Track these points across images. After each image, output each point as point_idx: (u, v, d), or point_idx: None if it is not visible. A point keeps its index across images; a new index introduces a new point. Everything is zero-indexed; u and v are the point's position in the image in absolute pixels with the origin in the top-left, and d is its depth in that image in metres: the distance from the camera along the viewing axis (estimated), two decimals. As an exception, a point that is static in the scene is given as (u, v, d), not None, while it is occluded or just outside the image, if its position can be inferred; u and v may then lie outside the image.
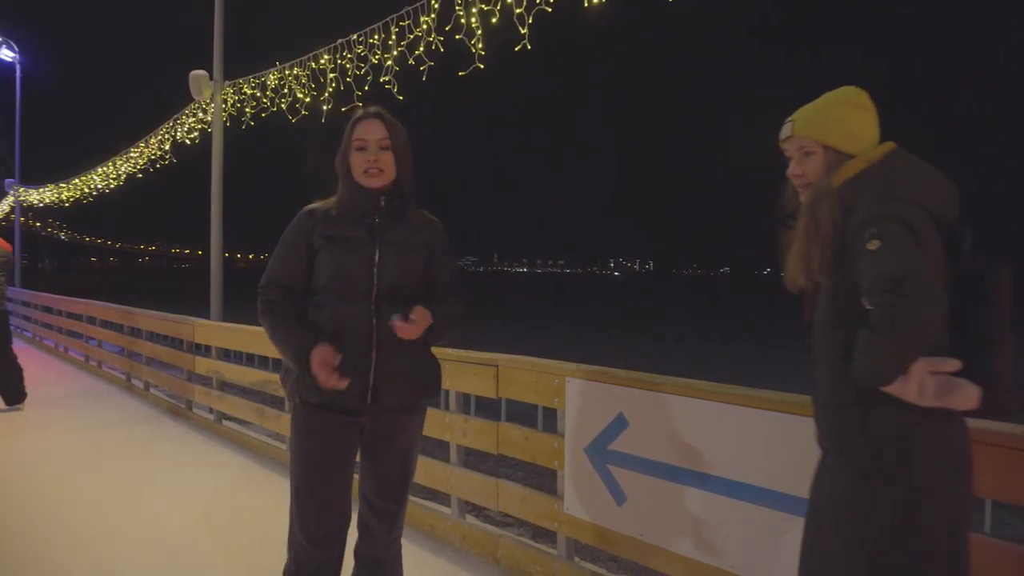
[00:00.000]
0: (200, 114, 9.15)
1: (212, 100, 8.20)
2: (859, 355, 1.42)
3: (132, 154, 11.36)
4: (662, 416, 2.63)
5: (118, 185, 12.72)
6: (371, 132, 2.19)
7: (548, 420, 4.94)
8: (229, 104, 8.15)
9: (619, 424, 2.78)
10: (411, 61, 5.40)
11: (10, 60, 18.60)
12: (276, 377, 4.91)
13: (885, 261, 1.37)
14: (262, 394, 5.78)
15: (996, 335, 1.45)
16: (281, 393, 4.33)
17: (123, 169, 12.01)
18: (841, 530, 1.53)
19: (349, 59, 6.04)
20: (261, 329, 2.38)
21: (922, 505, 1.44)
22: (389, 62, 5.58)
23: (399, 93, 5.62)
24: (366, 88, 5.93)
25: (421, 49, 5.26)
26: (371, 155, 2.18)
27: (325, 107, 6.49)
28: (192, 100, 9.08)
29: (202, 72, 8.17)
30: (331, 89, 6.36)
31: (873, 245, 1.40)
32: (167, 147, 10.05)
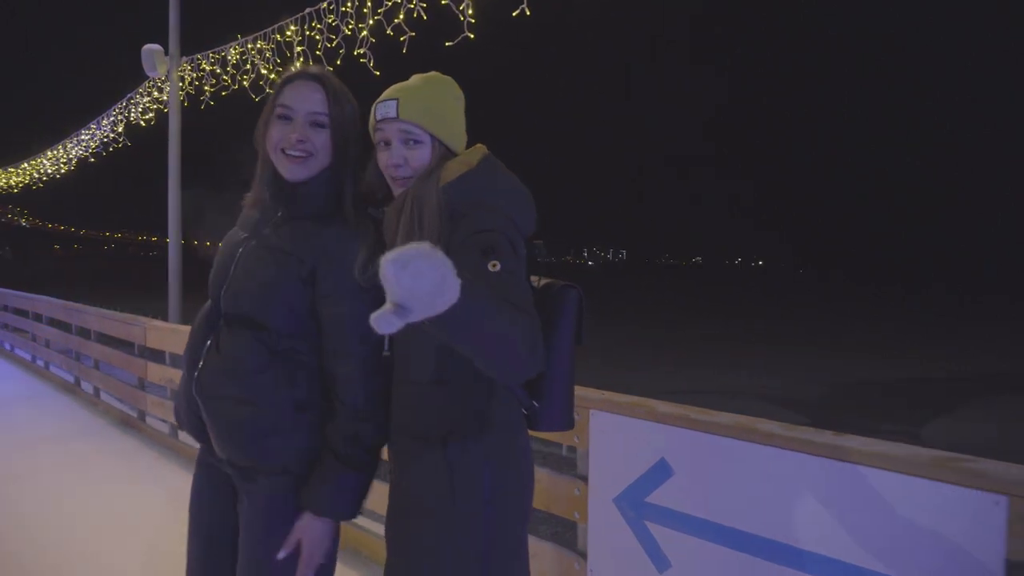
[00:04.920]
0: (155, 93, 8.40)
1: (168, 78, 7.49)
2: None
3: (83, 137, 10.52)
4: (723, 466, 2.08)
5: (69, 170, 11.85)
6: (302, 98, 1.55)
7: (567, 459, 4.37)
8: (186, 82, 7.45)
9: (661, 472, 2.23)
10: (389, 32, 4.77)
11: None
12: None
13: (506, 285, 1.31)
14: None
15: (563, 352, 1.49)
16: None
17: (74, 153, 11.18)
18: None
19: (319, 30, 5.38)
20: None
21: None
22: (364, 32, 4.94)
23: (376, 68, 4.98)
24: (338, 63, 5.29)
25: (401, 17, 4.64)
26: (296, 130, 1.54)
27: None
28: (146, 78, 8.35)
29: (156, 47, 7.45)
30: (298, 64, 5.69)
31: (494, 266, 1.33)
32: (120, 129, 9.26)
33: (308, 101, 1.55)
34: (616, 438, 2.37)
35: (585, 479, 2.47)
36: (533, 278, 1.54)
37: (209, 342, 1.58)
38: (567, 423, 1.56)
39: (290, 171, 1.56)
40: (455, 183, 1.46)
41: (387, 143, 1.52)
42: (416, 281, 0.93)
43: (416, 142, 1.50)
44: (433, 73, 1.59)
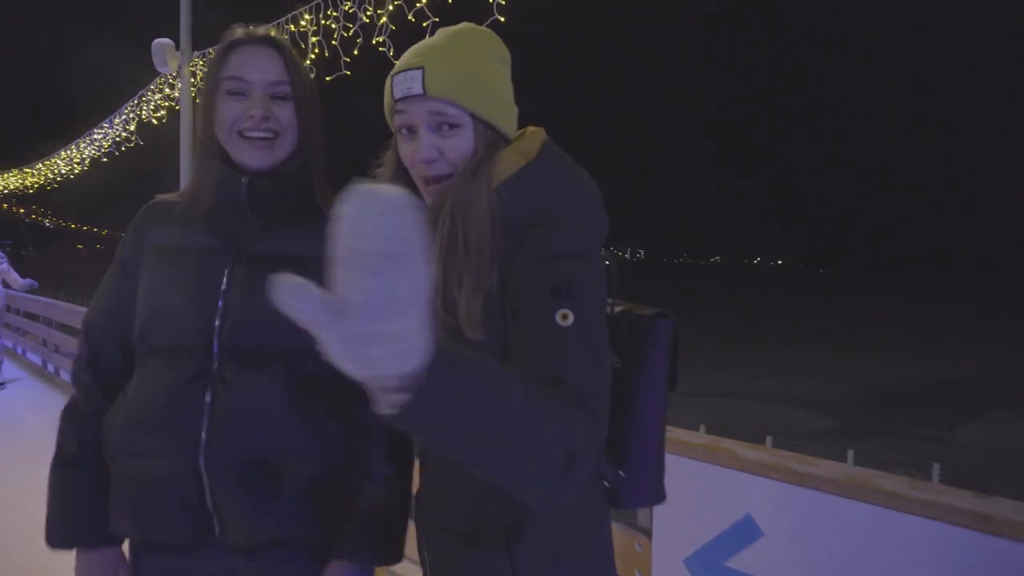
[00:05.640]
0: (167, 89, 8.11)
1: (179, 73, 7.20)
2: None
3: (96, 136, 10.28)
4: (827, 529, 1.68)
5: (83, 170, 11.66)
6: (257, 68, 1.25)
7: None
8: (199, 77, 7.14)
9: (746, 531, 1.83)
10: (411, 17, 4.40)
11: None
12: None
13: (575, 350, 0.91)
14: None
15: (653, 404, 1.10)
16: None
17: (87, 153, 10.96)
18: None
19: (334, 18, 5.03)
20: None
21: None
22: (383, 19, 4.58)
23: (396, 57, 4.62)
24: (355, 52, 4.94)
25: (424, 1, 4.26)
26: (256, 106, 1.24)
27: (307, 77, 5.48)
28: (158, 74, 8.07)
29: (167, 41, 7.15)
30: (314, 55, 5.35)
31: (565, 319, 0.93)
32: (132, 128, 8.99)
33: (265, 70, 1.26)
34: (688, 488, 1.97)
35: (648, 533, 2.07)
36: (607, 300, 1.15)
37: (208, 398, 1.19)
38: (657, 496, 1.17)
39: (254, 157, 1.26)
40: (512, 182, 1.06)
41: (411, 130, 1.10)
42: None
43: (453, 126, 1.08)
44: (465, 25, 1.16)
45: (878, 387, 13.77)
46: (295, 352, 1.21)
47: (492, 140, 1.10)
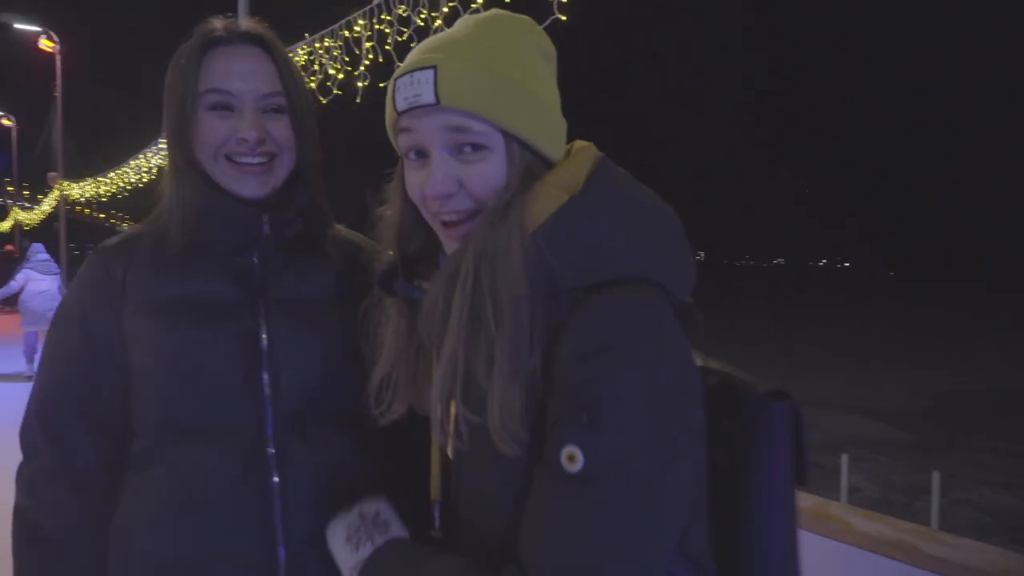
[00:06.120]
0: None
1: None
2: None
3: (162, 145, 10.57)
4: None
5: (151, 179, 12.06)
6: (244, 75, 1.02)
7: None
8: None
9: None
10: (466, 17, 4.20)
11: (51, 51, 18.20)
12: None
13: (584, 530, 0.66)
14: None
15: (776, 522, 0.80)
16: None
17: (154, 162, 11.29)
18: None
19: (388, 22, 4.88)
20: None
21: None
22: (438, 21, 4.40)
23: (451, 61, 4.44)
24: (409, 57, 4.76)
25: (480, 1, 4.06)
26: (248, 124, 1.01)
27: (360, 84, 5.35)
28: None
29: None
30: (367, 61, 5.22)
31: (572, 462, 0.68)
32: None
33: (254, 78, 1.02)
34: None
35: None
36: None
37: (275, 478, 1.00)
38: None
39: (247, 186, 1.03)
40: (550, 227, 0.76)
41: (421, 153, 0.83)
42: None
43: (477, 147, 0.79)
44: (494, 12, 0.86)
45: (941, 396, 13.17)
46: (341, 415, 1.04)
47: (530, 166, 0.81)
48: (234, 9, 7.27)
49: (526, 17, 0.87)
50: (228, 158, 1.02)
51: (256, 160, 1.03)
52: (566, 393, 0.71)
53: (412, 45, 4.81)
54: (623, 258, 0.76)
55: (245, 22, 1.06)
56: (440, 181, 0.79)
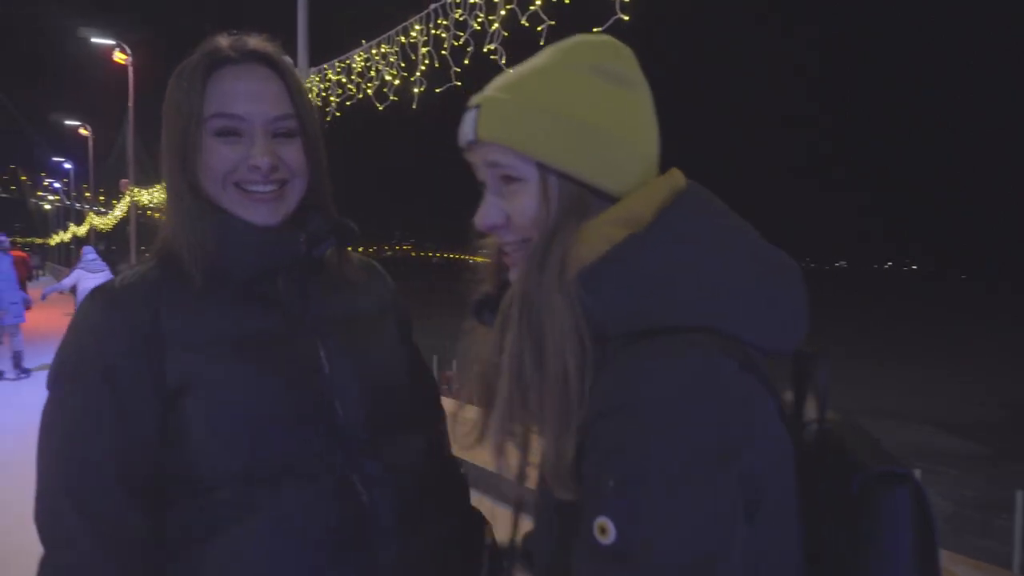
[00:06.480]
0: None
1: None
2: None
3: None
4: None
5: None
6: (252, 97, 0.95)
7: None
8: (314, 93, 7.23)
9: None
10: (524, 22, 4.10)
11: (124, 63, 18.99)
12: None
13: None
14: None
15: None
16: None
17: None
18: None
19: (445, 27, 4.83)
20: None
21: None
22: (495, 25, 4.32)
23: (509, 65, 4.35)
24: (466, 62, 4.72)
25: (539, 3, 3.95)
26: (259, 151, 0.94)
27: (416, 89, 5.32)
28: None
29: (286, 59, 7.34)
30: (423, 67, 5.19)
31: (604, 534, 0.62)
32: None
33: (263, 100, 0.95)
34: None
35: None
36: (810, 420, 0.80)
37: (364, 497, 0.97)
38: None
39: (257, 214, 0.97)
40: (596, 268, 0.71)
41: (483, 186, 0.83)
42: None
43: (512, 180, 0.77)
44: (567, 40, 0.81)
45: (1009, 404, 12.45)
46: (405, 418, 1.06)
47: (577, 199, 0.75)
48: (293, 16, 7.39)
49: (602, 38, 0.81)
50: (237, 185, 0.95)
51: (268, 188, 0.96)
52: (596, 453, 0.65)
53: (468, 49, 4.76)
54: (683, 302, 0.69)
55: (252, 40, 0.98)
56: (483, 214, 0.80)
